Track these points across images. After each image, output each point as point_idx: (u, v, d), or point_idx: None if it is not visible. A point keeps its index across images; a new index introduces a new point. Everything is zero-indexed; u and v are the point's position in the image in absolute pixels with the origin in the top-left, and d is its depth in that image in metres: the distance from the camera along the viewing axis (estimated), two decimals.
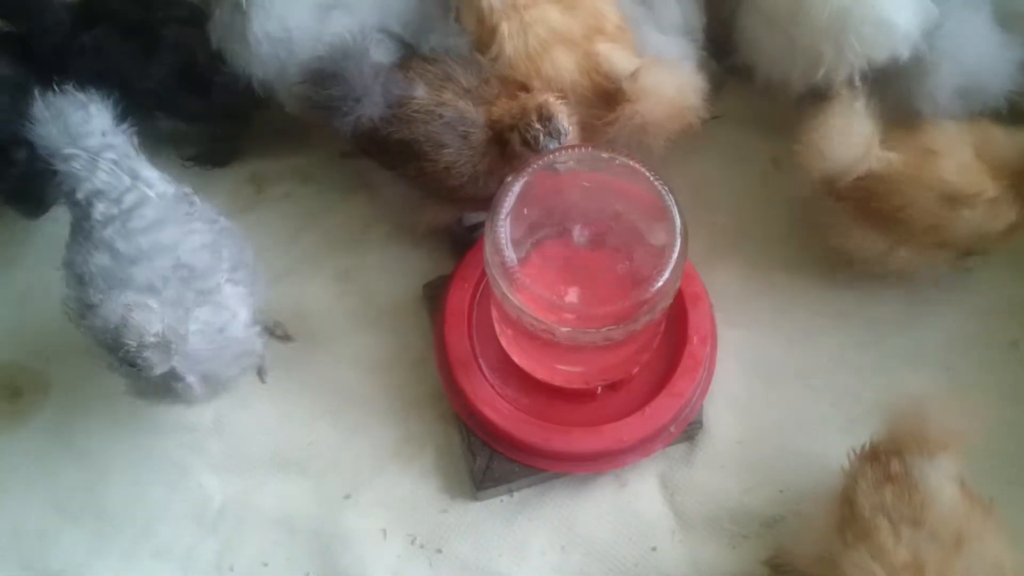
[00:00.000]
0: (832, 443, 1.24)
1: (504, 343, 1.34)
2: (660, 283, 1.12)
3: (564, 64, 1.36)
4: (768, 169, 1.61)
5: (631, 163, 1.19)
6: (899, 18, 1.32)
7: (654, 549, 1.32)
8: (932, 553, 1.03)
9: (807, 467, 1.34)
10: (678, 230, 1.15)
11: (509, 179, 1.19)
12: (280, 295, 1.49)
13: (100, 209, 1.17)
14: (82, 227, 1.19)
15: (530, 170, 1.19)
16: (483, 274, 1.37)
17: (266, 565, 1.33)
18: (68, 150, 1.17)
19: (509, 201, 1.16)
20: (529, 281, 1.12)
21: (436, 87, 1.32)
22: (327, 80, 1.30)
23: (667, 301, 1.17)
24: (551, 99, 1.25)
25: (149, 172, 1.22)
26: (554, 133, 1.22)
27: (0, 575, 1.32)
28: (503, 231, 1.14)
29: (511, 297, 1.14)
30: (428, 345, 1.44)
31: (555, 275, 1.20)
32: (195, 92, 1.46)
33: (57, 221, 1.56)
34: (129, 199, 1.18)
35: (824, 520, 1.14)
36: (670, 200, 1.17)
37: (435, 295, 1.45)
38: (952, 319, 1.47)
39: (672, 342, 1.37)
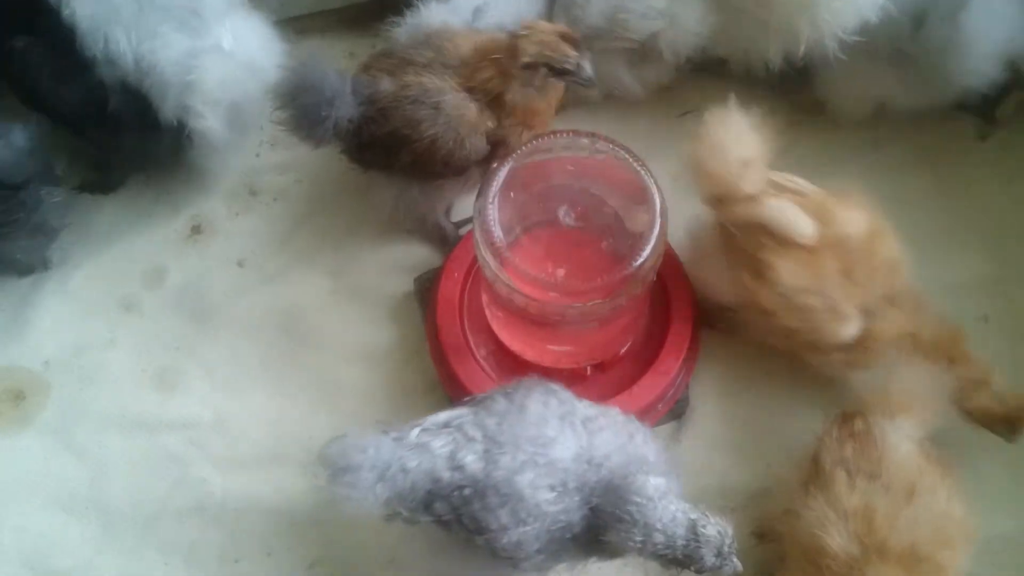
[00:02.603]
0: (811, 416, 1.29)
1: (495, 327, 1.38)
2: (642, 258, 1.18)
3: None
4: None
5: (613, 147, 1.25)
6: None
7: None
8: (883, 502, 1.09)
9: (788, 440, 1.36)
10: (658, 209, 1.21)
11: (495, 164, 1.24)
12: (275, 294, 1.55)
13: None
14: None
15: (516, 155, 1.24)
16: (473, 264, 1.42)
17: (270, 555, 1.36)
18: None
19: (496, 185, 1.22)
20: (518, 260, 1.17)
21: (399, 75, 1.36)
22: (296, 93, 1.35)
23: (650, 276, 1.22)
24: (563, 27, 1.32)
25: None
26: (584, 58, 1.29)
27: (6, 575, 1.34)
28: (491, 213, 1.19)
29: (501, 276, 1.19)
30: (421, 337, 1.48)
31: (543, 254, 1.25)
32: (101, 124, 1.44)
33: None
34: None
35: (796, 480, 1.19)
36: (650, 181, 1.22)
37: (426, 288, 1.49)
38: (924, 296, 1.51)
39: (657, 324, 1.42)
